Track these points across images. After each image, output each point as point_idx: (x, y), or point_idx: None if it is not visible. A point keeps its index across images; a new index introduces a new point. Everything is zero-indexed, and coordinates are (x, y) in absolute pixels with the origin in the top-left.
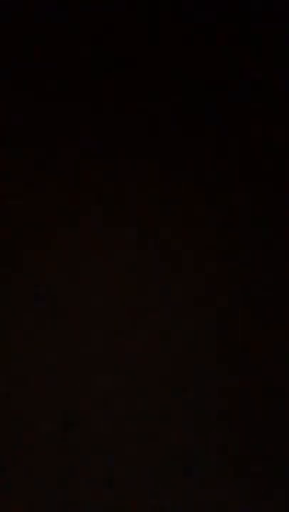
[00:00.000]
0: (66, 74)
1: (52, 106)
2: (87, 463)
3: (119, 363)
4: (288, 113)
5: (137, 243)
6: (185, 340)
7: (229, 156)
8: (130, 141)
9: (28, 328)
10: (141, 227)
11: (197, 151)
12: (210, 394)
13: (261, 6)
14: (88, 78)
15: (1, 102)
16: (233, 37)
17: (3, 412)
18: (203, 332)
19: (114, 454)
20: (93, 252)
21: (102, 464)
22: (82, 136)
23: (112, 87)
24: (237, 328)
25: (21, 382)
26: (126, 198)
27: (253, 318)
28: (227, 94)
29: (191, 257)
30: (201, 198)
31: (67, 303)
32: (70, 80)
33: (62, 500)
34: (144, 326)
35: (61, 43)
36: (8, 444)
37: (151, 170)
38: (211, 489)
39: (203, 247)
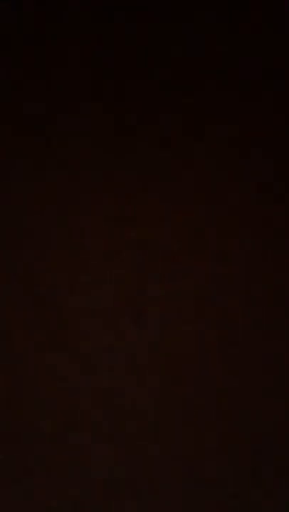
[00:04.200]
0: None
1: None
2: (88, 463)
3: (119, 363)
4: None
5: (137, 243)
6: (186, 340)
7: (229, 155)
8: (130, 139)
9: (29, 328)
10: (141, 227)
11: (199, 152)
12: (211, 394)
13: None
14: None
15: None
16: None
17: (3, 412)
18: (204, 333)
19: (115, 454)
20: (93, 252)
21: (102, 464)
22: (82, 134)
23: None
24: (238, 329)
25: (21, 382)
26: (126, 198)
27: (256, 317)
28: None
29: (192, 257)
30: (202, 198)
31: (68, 302)
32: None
33: (62, 501)
34: (145, 326)
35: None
36: (8, 444)
37: (151, 169)
38: (211, 489)
39: (203, 247)
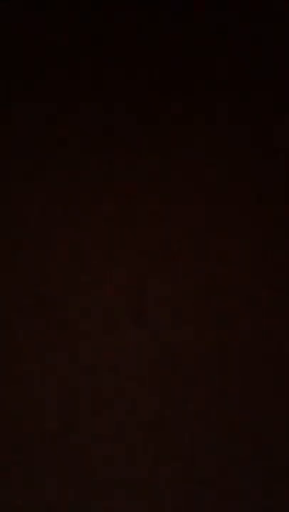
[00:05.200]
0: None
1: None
2: (88, 463)
3: (119, 363)
4: None
5: (137, 243)
6: (186, 340)
7: (229, 155)
8: (130, 139)
9: (29, 328)
10: (141, 227)
11: (200, 153)
12: (211, 394)
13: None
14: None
15: None
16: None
17: (3, 412)
18: (204, 333)
19: (115, 455)
20: (93, 252)
21: (102, 465)
22: (82, 134)
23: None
24: (238, 329)
25: (21, 382)
26: (126, 198)
27: (256, 317)
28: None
29: (192, 257)
30: (202, 198)
31: (68, 303)
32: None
33: (62, 501)
34: (145, 326)
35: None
36: (8, 444)
37: (151, 169)
38: (211, 489)
39: (203, 247)
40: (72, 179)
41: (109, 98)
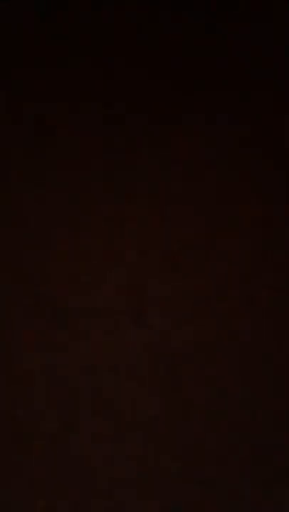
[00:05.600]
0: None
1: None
2: (88, 463)
3: (119, 363)
4: None
5: (137, 243)
6: (186, 340)
7: (229, 155)
8: (131, 136)
9: (29, 328)
10: (141, 227)
11: (198, 151)
12: (211, 394)
13: None
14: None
15: None
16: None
17: (3, 412)
18: (204, 333)
19: (115, 455)
20: (93, 252)
21: (102, 464)
22: (82, 134)
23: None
24: (238, 329)
25: (21, 382)
26: (126, 197)
27: (255, 317)
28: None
29: (192, 257)
30: (202, 199)
31: (68, 303)
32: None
33: (62, 500)
34: (145, 326)
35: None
36: (8, 444)
37: (151, 169)
38: (211, 489)
39: (203, 247)
40: (72, 179)
41: (109, 98)
